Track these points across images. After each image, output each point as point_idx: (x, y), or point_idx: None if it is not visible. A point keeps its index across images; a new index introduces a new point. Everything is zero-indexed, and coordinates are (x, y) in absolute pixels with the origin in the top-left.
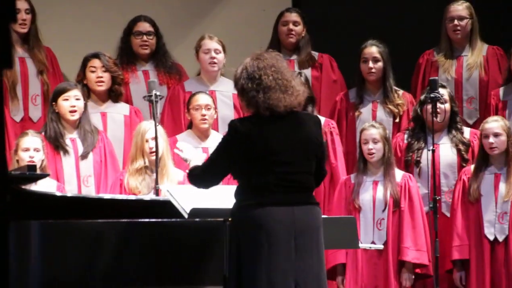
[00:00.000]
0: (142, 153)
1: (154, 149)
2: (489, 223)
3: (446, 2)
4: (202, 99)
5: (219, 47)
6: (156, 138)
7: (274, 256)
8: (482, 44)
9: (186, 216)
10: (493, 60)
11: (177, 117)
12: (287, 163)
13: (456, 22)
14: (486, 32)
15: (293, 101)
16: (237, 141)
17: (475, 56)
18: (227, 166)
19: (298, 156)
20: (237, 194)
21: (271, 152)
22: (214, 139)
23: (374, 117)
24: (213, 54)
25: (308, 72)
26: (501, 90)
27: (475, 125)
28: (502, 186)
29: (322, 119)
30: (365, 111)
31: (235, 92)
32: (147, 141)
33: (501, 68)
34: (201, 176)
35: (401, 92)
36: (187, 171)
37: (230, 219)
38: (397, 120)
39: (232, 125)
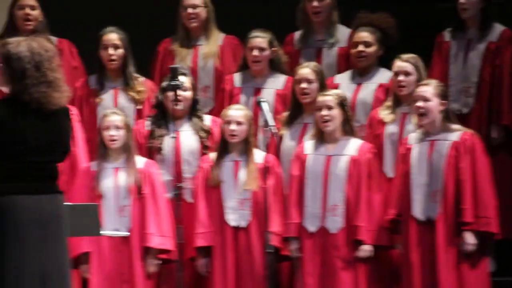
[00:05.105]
0: None
1: None
2: (230, 209)
3: None
4: None
5: None
6: None
7: (20, 248)
8: (218, 33)
9: None
10: (228, 49)
11: None
12: (36, 152)
13: (190, 10)
14: (223, 21)
15: (61, 99)
16: None
17: (211, 45)
18: None
19: (49, 146)
20: None
21: (21, 141)
22: None
23: (115, 104)
24: None
25: None
26: (236, 76)
27: (210, 114)
28: (242, 173)
29: None
30: (107, 97)
31: None
32: None
33: (236, 57)
34: None
35: (142, 79)
36: None
37: None
38: (139, 107)
39: None
